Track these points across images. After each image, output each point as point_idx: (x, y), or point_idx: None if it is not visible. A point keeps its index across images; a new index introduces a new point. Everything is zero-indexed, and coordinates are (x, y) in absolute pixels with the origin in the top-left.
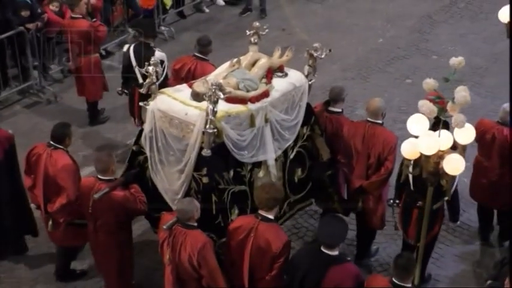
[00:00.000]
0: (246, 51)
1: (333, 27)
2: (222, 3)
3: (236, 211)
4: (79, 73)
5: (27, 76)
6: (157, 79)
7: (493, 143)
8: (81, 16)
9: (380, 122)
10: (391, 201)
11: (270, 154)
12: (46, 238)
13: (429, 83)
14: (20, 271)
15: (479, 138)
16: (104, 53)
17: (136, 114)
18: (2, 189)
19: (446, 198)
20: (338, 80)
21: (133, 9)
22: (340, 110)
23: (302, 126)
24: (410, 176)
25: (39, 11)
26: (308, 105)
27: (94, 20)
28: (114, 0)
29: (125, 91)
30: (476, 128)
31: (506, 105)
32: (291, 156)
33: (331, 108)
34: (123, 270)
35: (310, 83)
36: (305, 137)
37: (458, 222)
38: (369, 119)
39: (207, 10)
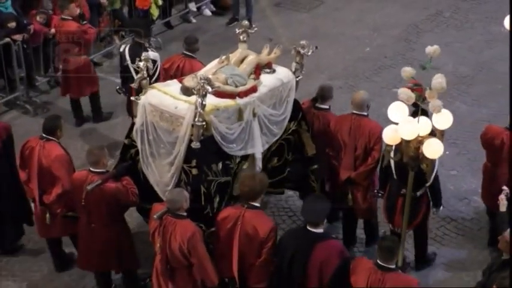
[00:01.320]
0: None
1: (319, 37)
2: (209, 13)
3: (217, 199)
4: (67, 73)
5: (14, 87)
6: (148, 74)
7: (501, 149)
8: (71, 18)
9: (365, 113)
10: (375, 191)
11: (258, 148)
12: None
13: (407, 70)
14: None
15: (488, 144)
16: None
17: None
18: (2, 178)
19: (428, 184)
20: None
21: (120, 20)
22: (327, 107)
23: (290, 121)
24: (393, 165)
25: (25, 22)
26: (296, 102)
27: (84, 22)
28: (100, 11)
29: (123, 90)
30: (485, 134)
31: None
32: (273, 148)
33: (319, 105)
34: (123, 261)
35: (297, 79)
36: (290, 131)
37: (441, 208)
38: (354, 111)
39: (194, 20)
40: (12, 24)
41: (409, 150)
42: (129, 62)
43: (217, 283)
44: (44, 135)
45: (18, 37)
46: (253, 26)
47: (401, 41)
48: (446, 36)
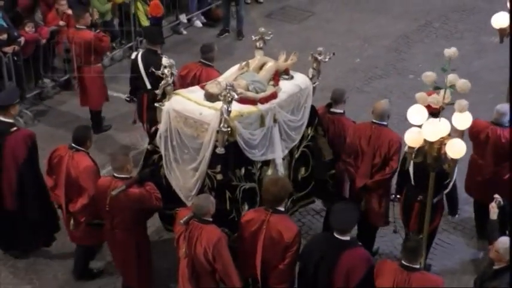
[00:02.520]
0: (224, 71)
1: (310, 48)
2: (200, 25)
3: (246, 207)
4: (82, 82)
5: None
6: (173, 81)
7: (487, 142)
8: (85, 27)
9: (385, 123)
10: (392, 195)
11: (278, 153)
12: (62, 244)
13: (429, 75)
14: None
15: (474, 137)
16: None
17: (145, 119)
18: (28, 184)
19: (446, 191)
20: (317, 101)
21: (111, 32)
22: (342, 111)
23: (307, 127)
24: (412, 171)
25: (15, 34)
26: (312, 107)
27: (98, 31)
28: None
29: (133, 98)
30: (471, 128)
31: (500, 107)
32: (296, 156)
33: (333, 110)
34: (141, 267)
35: (314, 85)
36: (309, 137)
37: (457, 216)
38: (374, 120)
39: (184, 32)
40: (4, 36)
41: (432, 151)
42: (142, 69)
43: None
44: (73, 145)
45: (8, 49)
46: (269, 32)
47: (392, 51)
48: (436, 47)
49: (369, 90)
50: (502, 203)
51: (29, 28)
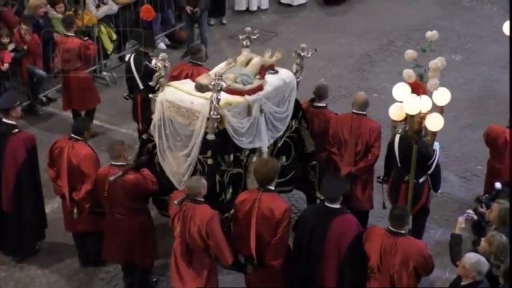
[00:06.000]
0: None
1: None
2: (164, 47)
3: (230, 190)
4: (68, 87)
5: None
6: (166, 73)
7: (505, 147)
8: (73, 34)
9: (364, 113)
10: (381, 178)
11: (264, 142)
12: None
13: (409, 53)
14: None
15: (491, 143)
16: (44, 99)
17: (140, 119)
18: (25, 187)
19: (429, 172)
20: None
21: None
22: (325, 105)
23: (291, 119)
24: (397, 154)
25: None
26: (296, 101)
27: (86, 38)
28: (54, 46)
29: (131, 96)
30: (487, 135)
31: None
32: (279, 145)
33: (317, 104)
34: (146, 247)
35: (298, 80)
36: (293, 128)
37: (440, 191)
38: (354, 111)
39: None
40: None
41: (414, 124)
42: (134, 71)
43: (231, 263)
44: (72, 135)
45: None
46: (255, 32)
47: (355, 71)
48: (399, 65)
49: (332, 109)
50: (475, 218)
51: None
